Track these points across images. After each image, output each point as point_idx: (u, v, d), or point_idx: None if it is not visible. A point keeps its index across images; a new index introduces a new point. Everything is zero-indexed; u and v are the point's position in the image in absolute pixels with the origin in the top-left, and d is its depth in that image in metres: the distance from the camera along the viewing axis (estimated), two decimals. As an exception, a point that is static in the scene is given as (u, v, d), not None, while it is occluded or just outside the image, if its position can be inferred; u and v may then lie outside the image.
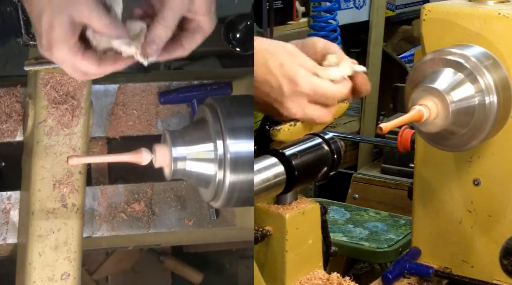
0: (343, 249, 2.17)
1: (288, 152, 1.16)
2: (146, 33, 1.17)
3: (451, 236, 1.53)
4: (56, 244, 1.55)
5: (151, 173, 1.36)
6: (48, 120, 1.57)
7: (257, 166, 1.14)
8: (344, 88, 1.35)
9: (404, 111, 1.35)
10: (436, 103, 1.31)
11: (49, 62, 1.41)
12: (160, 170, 1.33)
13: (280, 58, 1.31)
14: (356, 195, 2.65)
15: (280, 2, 3.08)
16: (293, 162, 1.16)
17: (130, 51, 1.18)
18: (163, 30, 1.17)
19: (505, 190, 1.44)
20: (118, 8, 1.18)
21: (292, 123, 1.34)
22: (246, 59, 1.73)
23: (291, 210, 1.40)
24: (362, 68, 1.39)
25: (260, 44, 1.33)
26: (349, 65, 1.37)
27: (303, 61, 1.33)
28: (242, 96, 1.59)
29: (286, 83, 1.29)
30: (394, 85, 1.55)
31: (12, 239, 1.62)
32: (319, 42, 1.40)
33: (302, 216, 1.41)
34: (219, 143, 1.27)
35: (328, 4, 3.46)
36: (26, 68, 1.59)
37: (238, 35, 1.74)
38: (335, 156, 1.20)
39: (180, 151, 1.29)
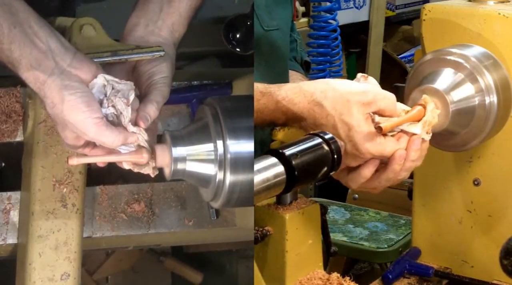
0: (343, 249, 2.17)
1: (288, 152, 1.16)
2: (139, 106, 1.31)
3: (451, 236, 1.53)
4: (56, 244, 1.55)
5: (151, 174, 1.36)
6: (48, 120, 1.56)
7: (257, 166, 1.14)
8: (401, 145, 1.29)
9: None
10: (436, 103, 1.31)
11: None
12: (160, 170, 1.33)
13: (349, 122, 1.26)
14: (356, 195, 2.65)
15: (280, 2, 3.08)
16: (293, 162, 1.15)
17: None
18: (153, 109, 1.32)
19: (505, 190, 1.44)
20: (127, 114, 1.28)
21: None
22: (246, 59, 1.73)
23: (291, 210, 1.40)
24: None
25: (334, 103, 1.28)
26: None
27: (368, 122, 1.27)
28: (242, 96, 1.59)
29: (349, 146, 1.26)
30: (394, 85, 1.55)
31: (12, 240, 1.62)
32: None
33: (302, 216, 1.41)
34: (219, 143, 1.27)
35: (328, 4, 3.46)
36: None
37: (238, 35, 1.74)
38: (335, 156, 1.20)
39: (180, 151, 1.28)
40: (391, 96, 1.28)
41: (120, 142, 1.27)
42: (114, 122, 1.27)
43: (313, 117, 1.29)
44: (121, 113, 1.27)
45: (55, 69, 1.23)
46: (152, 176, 1.33)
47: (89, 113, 1.24)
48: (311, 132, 1.24)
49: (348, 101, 1.26)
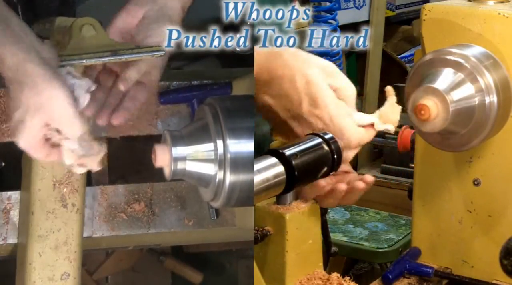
0: (343, 249, 2.17)
1: (288, 152, 1.16)
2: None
3: (451, 236, 1.53)
4: (56, 244, 1.55)
5: (151, 173, 1.36)
6: (48, 120, 1.56)
7: (257, 166, 1.14)
8: (368, 136, 1.32)
9: (404, 111, 1.35)
10: (436, 103, 1.31)
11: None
12: (160, 170, 1.33)
13: (309, 74, 1.25)
14: (356, 195, 2.65)
15: (280, 2, 3.08)
16: (293, 162, 1.16)
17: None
18: (134, 72, 1.31)
19: (505, 190, 1.44)
20: (84, 100, 1.27)
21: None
22: (246, 59, 1.73)
23: (291, 210, 1.40)
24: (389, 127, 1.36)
25: (295, 56, 1.27)
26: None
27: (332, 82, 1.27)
28: (242, 96, 1.59)
29: (306, 101, 1.25)
30: (394, 85, 1.55)
31: (12, 239, 1.62)
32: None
33: (302, 216, 1.41)
34: (219, 143, 1.27)
35: (328, 4, 3.46)
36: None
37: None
38: (335, 156, 1.20)
39: (180, 151, 1.28)
40: (352, 88, 1.29)
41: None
42: None
43: (267, 69, 1.26)
44: (77, 99, 1.28)
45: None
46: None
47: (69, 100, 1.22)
48: (311, 132, 1.24)
49: (310, 62, 1.25)
